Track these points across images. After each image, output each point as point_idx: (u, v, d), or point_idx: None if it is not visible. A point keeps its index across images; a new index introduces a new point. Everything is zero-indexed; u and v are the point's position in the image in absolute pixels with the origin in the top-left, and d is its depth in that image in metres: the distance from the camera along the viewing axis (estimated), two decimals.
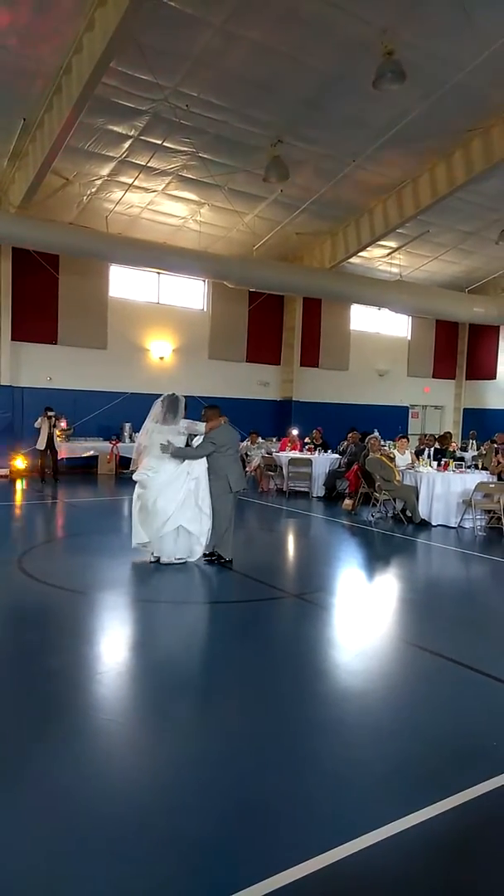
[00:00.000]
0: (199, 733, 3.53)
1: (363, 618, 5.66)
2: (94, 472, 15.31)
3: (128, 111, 10.82)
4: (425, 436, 15.17)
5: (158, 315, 16.88)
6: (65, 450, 14.52)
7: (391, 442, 12.19)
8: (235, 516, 7.34)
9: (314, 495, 12.64)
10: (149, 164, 12.44)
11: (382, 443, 11.17)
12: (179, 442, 6.99)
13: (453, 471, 10.29)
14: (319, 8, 8.60)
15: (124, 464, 14.47)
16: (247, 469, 7.85)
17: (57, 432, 13.84)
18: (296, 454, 13.29)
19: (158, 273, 16.33)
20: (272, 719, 3.65)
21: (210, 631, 5.45)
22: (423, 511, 9.91)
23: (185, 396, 7.40)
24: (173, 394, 7.22)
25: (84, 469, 15.23)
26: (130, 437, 15.11)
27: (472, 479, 9.86)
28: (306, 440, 14.29)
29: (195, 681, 4.31)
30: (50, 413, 13.42)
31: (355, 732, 3.55)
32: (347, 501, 11.15)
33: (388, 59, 8.95)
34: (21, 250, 14.14)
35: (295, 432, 14.98)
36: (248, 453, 13.61)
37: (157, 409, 7.11)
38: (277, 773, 3.10)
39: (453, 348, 23.03)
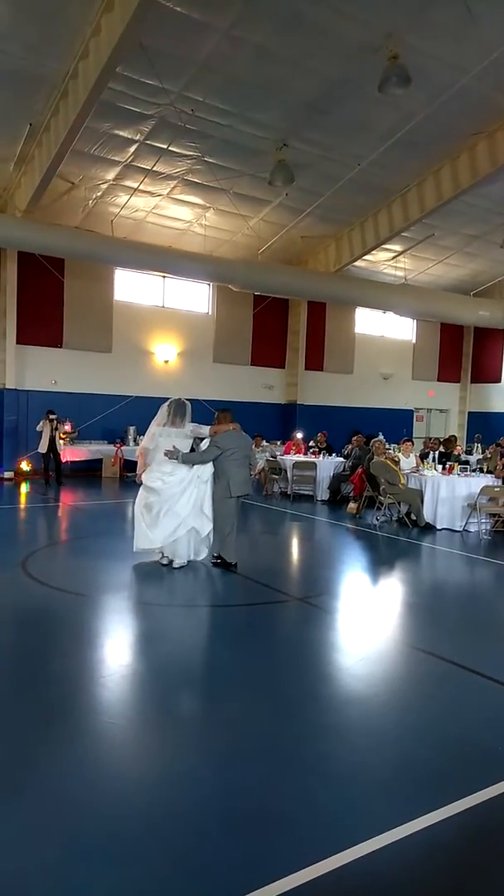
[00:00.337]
0: (202, 736, 3.52)
1: (367, 621, 5.64)
2: (99, 475, 15.33)
3: (133, 115, 10.87)
4: (430, 439, 15.15)
5: (163, 319, 16.91)
6: (69, 453, 14.55)
7: (396, 445, 12.18)
8: (239, 520, 7.34)
9: (318, 499, 12.63)
10: (154, 168, 12.49)
11: (387, 446, 11.15)
12: (184, 447, 7.00)
13: (458, 474, 10.26)
14: (325, 12, 8.63)
15: (129, 467, 14.54)
16: (251, 472, 7.83)
17: (60, 435, 13.86)
18: (300, 457, 13.28)
19: (163, 277, 16.37)
20: (276, 723, 3.64)
21: (213, 634, 5.44)
22: (427, 515, 9.88)
23: (190, 400, 7.41)
24: (179, 399, 7.24)
25: (88, 472, 15.26)
26: (135, 440, 15.15)
27: (476, 483, 9.83)
28: (311, 443, 14.27)
29: (198, 684, 4.30)
30: (52, 416, 13.44)
31: (360, 736, 3.53)
32: (352, 505, 11.13)
33: (393, 63, 8.98)
34: (27, 254, 14.20)
35: (299, 436, 14.96)
36: (253, 456, 13.59)
37: (162, 413, 7.12)
38: (281, 777, 3.09)
39: (458, 352, 23.00)
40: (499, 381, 22.10)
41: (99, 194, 13.47)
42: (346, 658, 4.84)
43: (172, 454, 6.81)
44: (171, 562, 6.98)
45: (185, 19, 8.69)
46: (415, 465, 10.85)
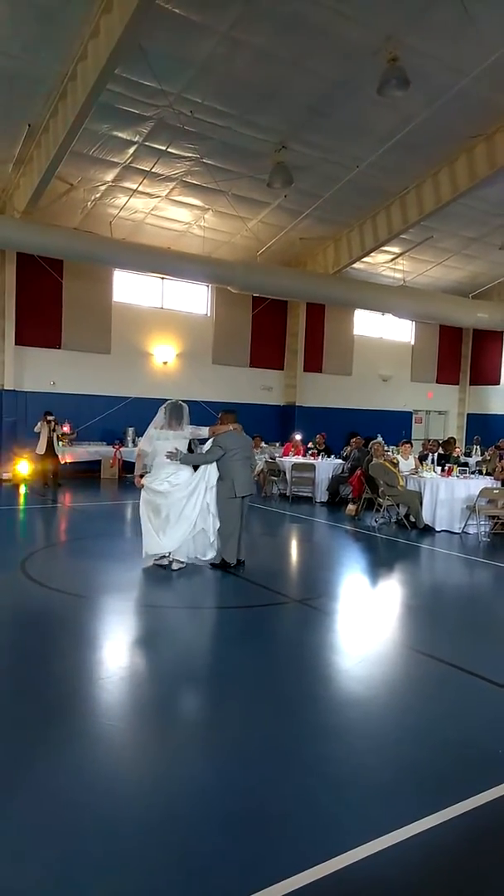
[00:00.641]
0: (201, 738, 3.51)
1: (367, 623, 5.63)
2: (98, 476, 15.32)
3: (132, 117, 10.87)
4: (429, 441, 15.15)
5: (162, 320, 16.91)
6: (69, 454, 14.53)
7: (395, 447, 12.18)
8: (246, 520, 7.36)
9: (317, 500, 12.62)
10: (153, 170, 12.49)
11: (386, 448, 11.15)
12: (182, 448, 7.01)
13: (457, 476, 10.26)
14: (324, 15, 8.64)
15: (128, 468, 14.53)
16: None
17: (59, 436, 13.83)
18: (299, 459, 13.27)
19: (162, 278, 16.38)
20: (275, 725, 3.63)
21: (213, 636, 5.43)
22: (426, 516, 9.88)
23: (189, 402, 7.42)
24: (176, 401, 7.24)
25: (87, 473, 15.24)
26: (133, 441, 15.14)
27: (475, 485, 9.83)
28: (310, 445, 14.27)
29: (197, 686, 4.29)
30: (49, 417, 13.41)
31: (359, 738, 3.53)
32: (351, 507, 11.13)
33: (392, 66, 8.99)
34: (26, 255, 14.19)
35: (298, 437, 14.97)
36: (253, 458, 13.58)
37: (159, 416, 7.12)
38: (281, 779, 3.08)
39: (457, 353, 23.02)
40: (497, 383, 22.13)
41: (98, 196, 13.47)
42: (346, 660, 4.83)
43: (174, 456, 6.82)
44: (171, 563, 6.96)
45: (183, 21, 8.69)
46: (414, 466, 10.86)
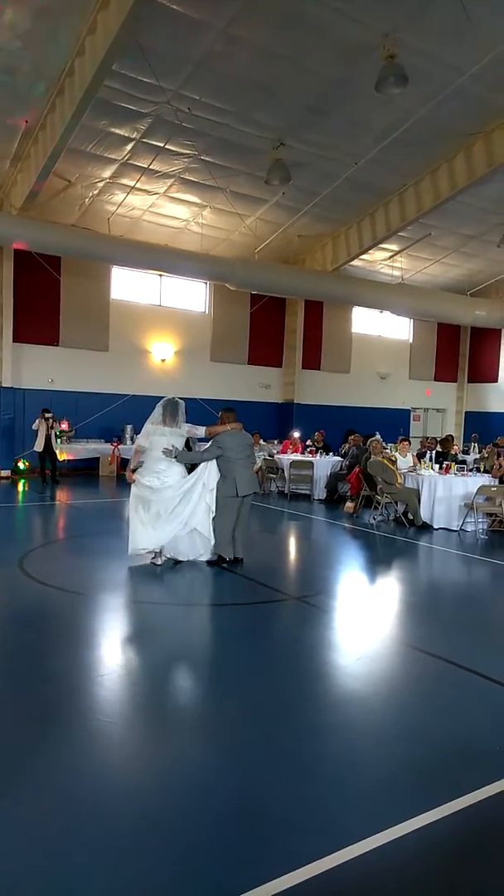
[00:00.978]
0: (199, 736, 3.51)
1: (365, 621, 5.64)
2: (96, 473, 15.31)
3: (130, 114, 10.84)
4: (427, 438, 15.16)
5: (160, 317, 16.89)
6: (67, 452, 14.52)
7: (393, 445, 12.18)
8: (248, 518, 7.37)
9: (316, 498, 12.63)
10: (151, 167, 12.46)
11: (384, 445, 11.15)
12: (179, 445, 7.04)
13: (455, 474, 10.28)
14: (322, 12, 8.62)
15: (126, 465, 14.50)
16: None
17: (55, 433, 13.83)
18: (297, 457, 13.28)
19: (160, 275, 16.34)
20: (273, 722, 3.64)
21: (211, 633, 5.44)
22: (424, 514, 9.89)
23: (187, 399, 7.45)
24: (172, 398, 7.27)
25: (85, 471, 15.23)
26: (132, 439, 15.12)
27: (473, 483, 9.84)
28: (308, 443, 14.28)
29: (196, 683, 4.30)
30: (47, 415, 13.40)
31: (357, 736, 3.53)
32: (349, 504, 11.14)
33: (390, 63, 8.96)
34: (23, 252, 14.15)
35: (297, 435, 14.97)
36: (252, 455, 13.59)
37: (157, 412, 7.15)
38: (278, 777, 3.08)
39: (455, 351, 23.03)
40: (495, 380, 22.15)
41: (95, 192, 13.44)
42: (344, 657, 4.84)
43: (170, 453, 6.84)
44: (164, 562, 6.99)
45: (181, 17, 8.66)
46: (412, 464, 10.86)
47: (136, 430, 14.52)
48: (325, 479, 12.62)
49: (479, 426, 20.47)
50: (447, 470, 10.41)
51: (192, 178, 13.03)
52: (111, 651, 4.80)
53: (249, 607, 5.98)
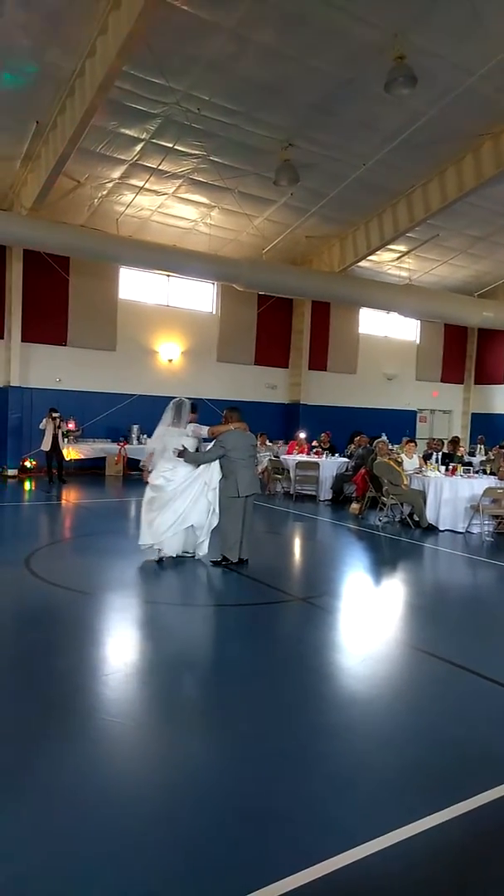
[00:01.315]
0: (203, 736, 3.52)
1: (369, 622, 5.64)
2: (102, 473, 15.35)
3: (140, 114, 10.88)
4: (433, 440, 15.12)
5: (167, 317, 16.92)
6: (74, 451, 14.57)
7: (399, 446, 12.17)
8: (251, 518, 7.38)
9: (321, 499, 12.62)
10: (160, 167, 12.50)
11: (390, 447, 11.14)
12: (190, 447, 7.13)
13: (461, 475, 10.25)
14: (331, 12, 8.63)
15: (132, 465, 14.56)
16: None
17: (62, 433, 13.87)
18: (303, 457, 13.28)
19: (168, 276, 16.37)
20: (277, 723, 3.65)
21: (215, 633, 5.45)
22: (430, 516, 9.87)
23: (193, 399, 7.51)
24: (179, 399, 7.35)
25: (92, 470, 15.28)
26: (138, 438, 15.17)
27: (480, 485, 9.82)
28: (314, 443, 14.27)
29: (200, 683, 4.31)
30: (54, 414, 13.44)
31: (361, 737, 3.54)
32: (355, 505, 11.13)
33: (399, 64, 8.97)
34: (32, 252, 14.22)
35: (303, 435, 14.96)
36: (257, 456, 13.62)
37: (167, 414, 7.23)
38: (282, 778, 3.09)
39: (462, 353, 22.97)
40: (502, 382, 22.06)
41: (104, 193, 13.48)
42: (348, 658, 4.84)
43: (180, 453, 6.92)
44: (161, 559, 7.06)
45: (191, 18, 8.69)
46: (418, 465, 10.85)
47: (143, 430, 14.65)
48: (331, 480, 12.62)
49: (486, 428, 20.41)
50: (453, 472, 10.39)
51: (200, 179, 13.05)
52: (116, 650, 4.82)
53: (254, 608, 5.99)
